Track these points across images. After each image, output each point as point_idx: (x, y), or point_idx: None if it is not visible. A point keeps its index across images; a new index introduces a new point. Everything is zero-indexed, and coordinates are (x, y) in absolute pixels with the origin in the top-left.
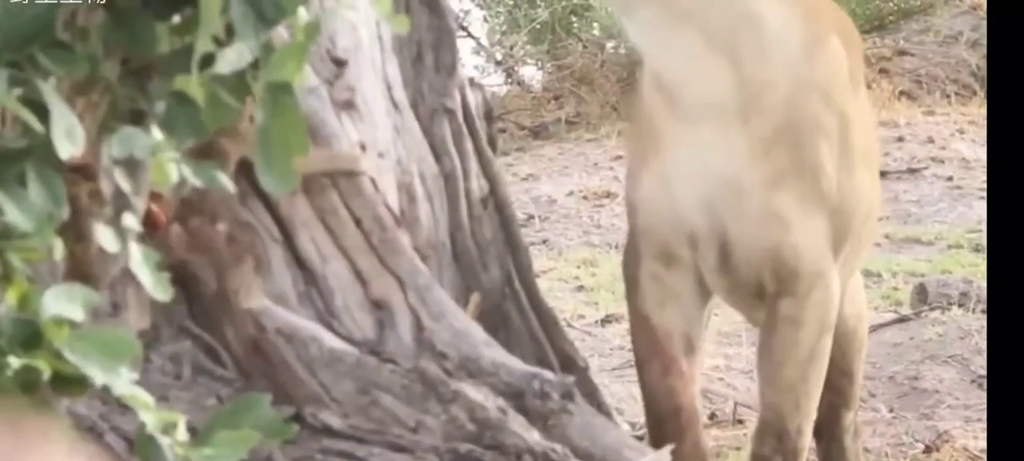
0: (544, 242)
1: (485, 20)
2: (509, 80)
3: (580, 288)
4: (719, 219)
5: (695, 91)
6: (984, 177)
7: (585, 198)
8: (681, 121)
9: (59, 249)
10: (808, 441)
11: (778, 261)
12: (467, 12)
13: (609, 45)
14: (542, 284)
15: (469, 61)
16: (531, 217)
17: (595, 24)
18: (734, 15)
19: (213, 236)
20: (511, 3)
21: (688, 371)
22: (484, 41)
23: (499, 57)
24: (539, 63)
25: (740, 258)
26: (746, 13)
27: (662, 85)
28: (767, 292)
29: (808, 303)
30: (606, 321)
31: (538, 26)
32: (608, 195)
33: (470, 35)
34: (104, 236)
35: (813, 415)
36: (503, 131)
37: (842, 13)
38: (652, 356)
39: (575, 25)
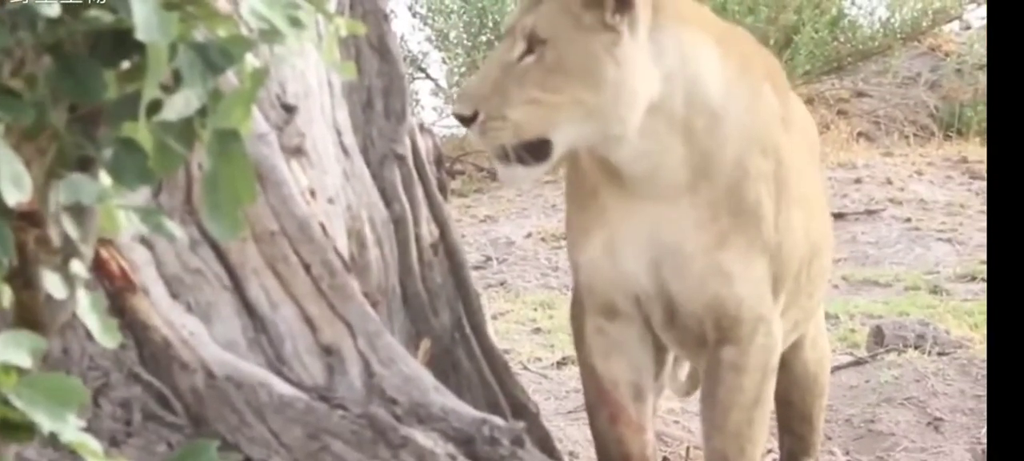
0: (502, 284)
1: (443, 61)
2: None
3: (537, 330)
4: (663, 281)
5: (651, 173)
6: (941, 219)
7: (543, 240)
8: (628, 196)
9: (7, 296)
10: None
11: (720, 312)
12: (425, 54)
13: None
14: (499, 326)
15: (427, 102)
16: (489, 259)
17: None
18: (689, 94)
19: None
20: (469, 44)
21: (637, 419)
22: (442, 82)
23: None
24: None
25: (684, 312)
26: (699, 88)
27: (611, 166)
28: (709, 340)
29: (751, 349)
30: (562, 363)
31: None
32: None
33: (429, 76)
34: (52, 283)
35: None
36: (462, 173)
37: (767, 54)
38: (600, 405)
39: None
